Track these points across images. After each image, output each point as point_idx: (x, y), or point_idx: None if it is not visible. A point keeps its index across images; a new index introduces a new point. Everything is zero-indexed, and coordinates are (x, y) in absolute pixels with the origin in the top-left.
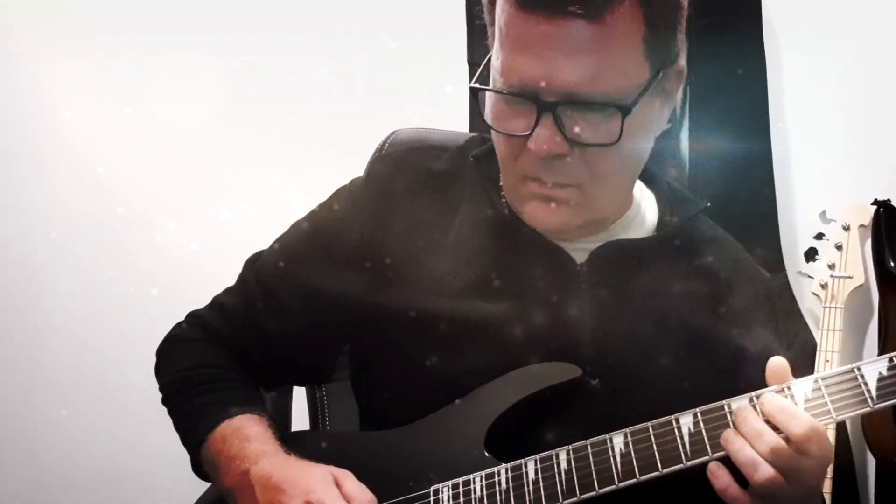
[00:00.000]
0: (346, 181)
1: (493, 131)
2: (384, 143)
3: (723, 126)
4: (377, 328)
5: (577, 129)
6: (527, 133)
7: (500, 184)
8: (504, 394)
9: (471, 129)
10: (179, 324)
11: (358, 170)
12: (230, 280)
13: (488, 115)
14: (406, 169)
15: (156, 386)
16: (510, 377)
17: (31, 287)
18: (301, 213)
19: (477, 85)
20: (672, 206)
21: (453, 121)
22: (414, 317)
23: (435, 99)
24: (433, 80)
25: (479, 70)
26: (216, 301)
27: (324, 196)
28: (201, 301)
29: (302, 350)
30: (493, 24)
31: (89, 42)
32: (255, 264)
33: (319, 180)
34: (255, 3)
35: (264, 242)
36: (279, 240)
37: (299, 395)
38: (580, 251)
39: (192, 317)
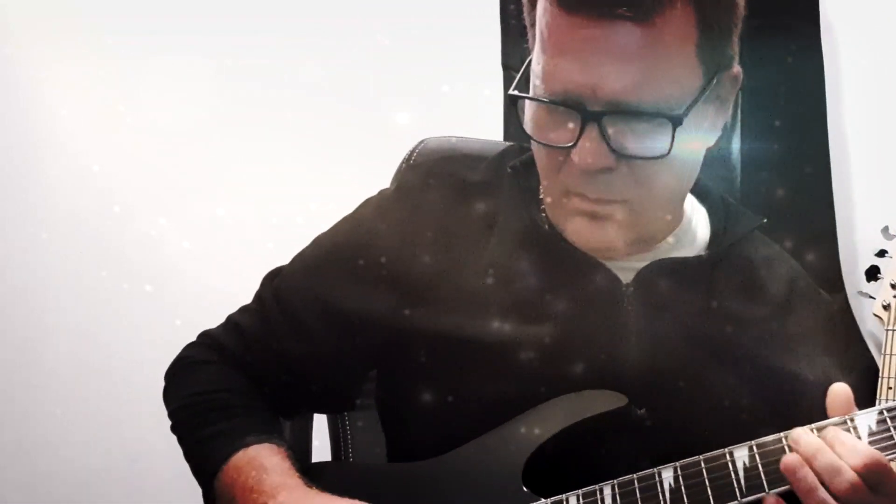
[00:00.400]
0: (343, 179)
1: (533, 142)
2: (412, 152)
3: (777, 135)
4: (406, 351)
5: (624, 141)
6: (570, 144)
7: (541, 197)
8: (543, 423)
9: (505, 138)
10: (191, 344)
11: (352, 167)
12: (226, 278)
13: (528, 124)
14: (439, 179)
15: (152, 385)
16: (550, 406)
17: (26, 285)
18: (296, 209)
19: (516, 92)
20: (726, 222)
21: (450, 120)
22: (447, 339)
23: (432, 98)
24: (430, 78)
25: (519, 75)
26: (231, 320)
27: (320, 193)
28: (196, 299)
29: (324, 374)
30: (533, 25)
31: (85, 42)
32: (274, 280)
33: (315, 178)
34: (250, 3)
35: (260, 237)
36: (300, 255)
37: (320, 423)
38: (626, 270)
39: (205, 337)
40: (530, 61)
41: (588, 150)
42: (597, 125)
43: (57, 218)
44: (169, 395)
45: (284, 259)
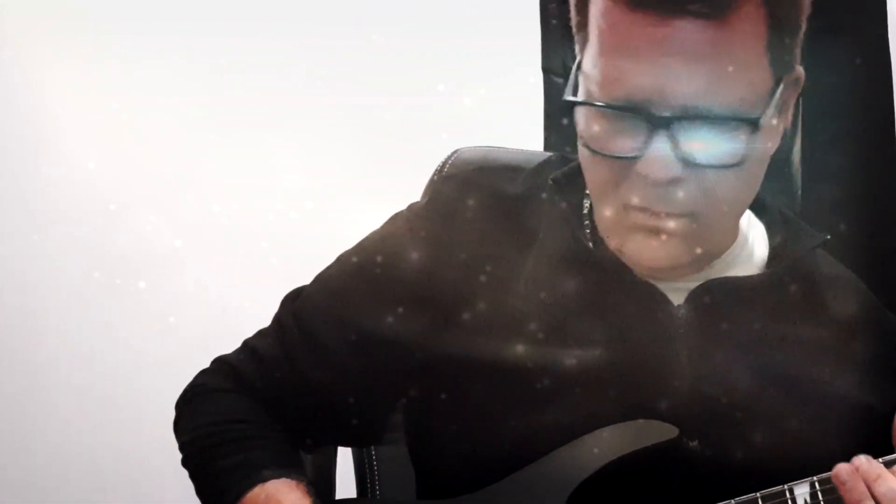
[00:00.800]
0: (338, 177)
1: (584, 153)
2: (445, 163)
3: (841, 145)
4: (439, 379)
5: (694, 149)
6: (634, 155)
7: (584, 212)
8: (587, 456)
9: (546, 148)
10: (204, 371)
11: (347, 166)
12: (221, 275)
13: (584, 133)
14: (474, 192)
15: (147, 384)
16: (594, 437)
17: (20, 283)
18: (291, 206)
19: (575, 98)
20: (785, 238)
21: (445, 121)
22: (482, 366)
23: (429, 97)
24: (426, 77)
25: (571, 81)
26: (247, 345)
27: (315, 190)
28: (191, 296)
29: (349, 404)
30: (583, 26)
31: (81, 41)
32: (294, 302)
33: (311, 177)
34: (244, 2)
35: (255, 234)
36: (323, 274)
37: (345, 456)
38: (677, 291)
39: (219, 363)
40: (579, 64)
41: (657, 161)
42: (666, 132)
43: (52, 216)
44: (180, 427)
45: (279, 256)
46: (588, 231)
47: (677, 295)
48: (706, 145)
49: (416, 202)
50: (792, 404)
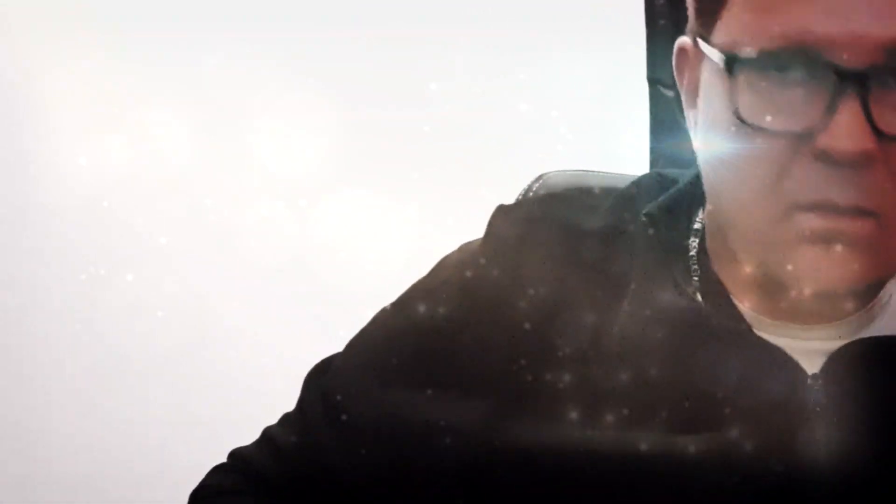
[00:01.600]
0: (333, 176)
1: (732, 137)
2: (527, 190)
3: None
4: (503, 472)
5: (893, 114)
6: (813, 126)
7: (691, 253)
8: None
9: (652, 166)
10: (217, 468)
11: (343, 165)
12: (214, 273)
13: (743, 106)
14: (541, 230)
15: (140, 383)
16: None
17: (13, 280)
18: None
19: (724, 53)
20: None
21: (439, 122)
22: (564, 457)
23: (425, 96)
24: (420, 75)
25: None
26: (267, 435)
27: (310, 189)
28: (183, 293)
29: None
30: None
31: (76, 38)
32: (322, 377)
33: (308, 176)
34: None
35: (248, 232)
36: (356, 340)
37: None
38: (810, 355)
39: (234, 458)
40: (703, 36)
41: (844, 128)
42: (858, 92)
43: (44, 212)
44: None
45: (272, 253)
46: (696, 278)
47: (811, 359)
48: None
49: (470, 242)
50: None
